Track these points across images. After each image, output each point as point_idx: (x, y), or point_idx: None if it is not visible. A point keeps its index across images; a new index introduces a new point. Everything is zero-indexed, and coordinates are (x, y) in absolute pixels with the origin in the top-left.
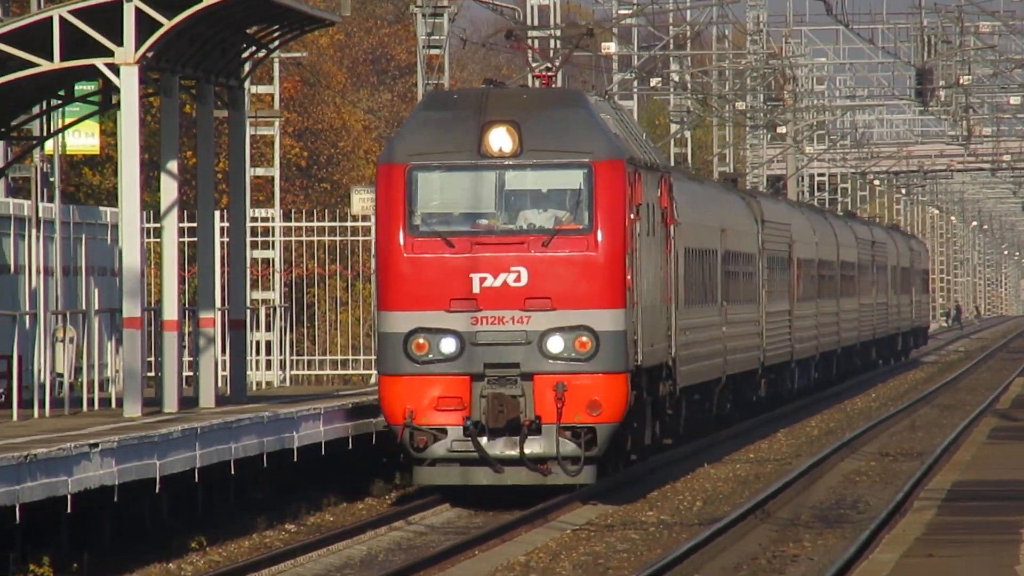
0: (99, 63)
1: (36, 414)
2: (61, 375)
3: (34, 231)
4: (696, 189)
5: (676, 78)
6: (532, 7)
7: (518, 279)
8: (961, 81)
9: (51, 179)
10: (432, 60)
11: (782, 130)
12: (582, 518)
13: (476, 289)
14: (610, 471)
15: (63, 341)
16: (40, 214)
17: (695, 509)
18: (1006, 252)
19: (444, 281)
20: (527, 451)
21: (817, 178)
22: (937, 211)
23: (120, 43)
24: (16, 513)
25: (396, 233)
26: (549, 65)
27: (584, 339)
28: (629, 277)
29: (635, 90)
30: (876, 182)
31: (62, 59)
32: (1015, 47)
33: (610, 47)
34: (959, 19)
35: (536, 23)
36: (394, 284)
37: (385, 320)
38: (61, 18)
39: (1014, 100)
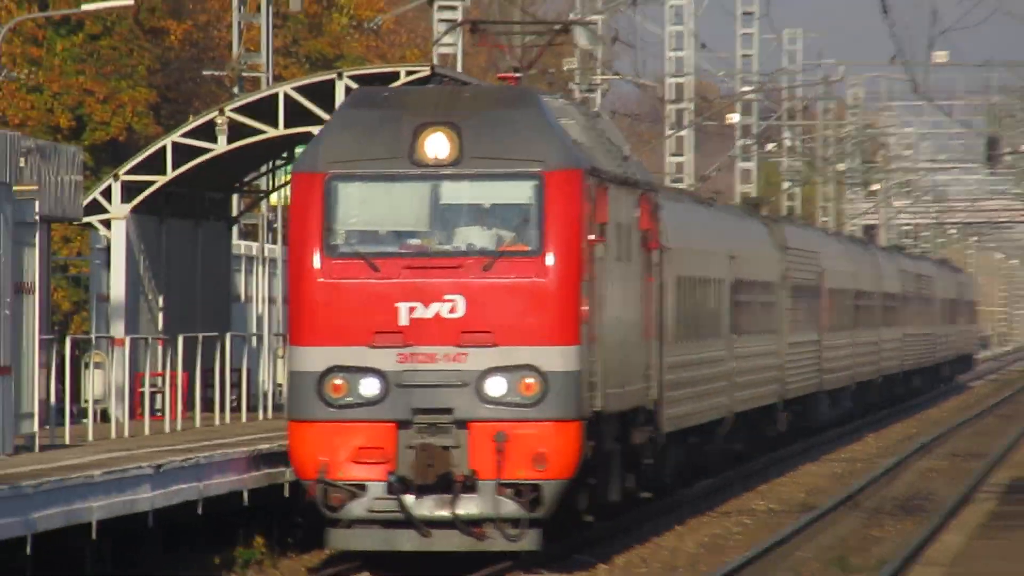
0: (315, 130)
1: (260, 416)
2: (280, 385)
3: (260, 268)
4: (697, 212)
5: (788, 143)
6: (670, 84)
7: (453, 309)
8: (1022, 148)
9: (274, 225)
10: None
11: (875, 187)
12: None
13: (404, 321)
14: (559, 535)
15: (283, 358)
16: (265, 254)
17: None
18: None
19: (367, 311)
20: (460, 512)
21: (903, 227)
22: (1003, 255)
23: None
24: None
25: (311, 254)
26: (517, 65)
27: (530, 381)
28: (586, 308)
29: (755, 153)
30: (952, 231)
31: (285, 127)
32: None
33: (734, 118)
34: (1022, 97)
35: (673, 98)
36: (307, 314)
37: (296, 356)
38: (286, 94)
39: None
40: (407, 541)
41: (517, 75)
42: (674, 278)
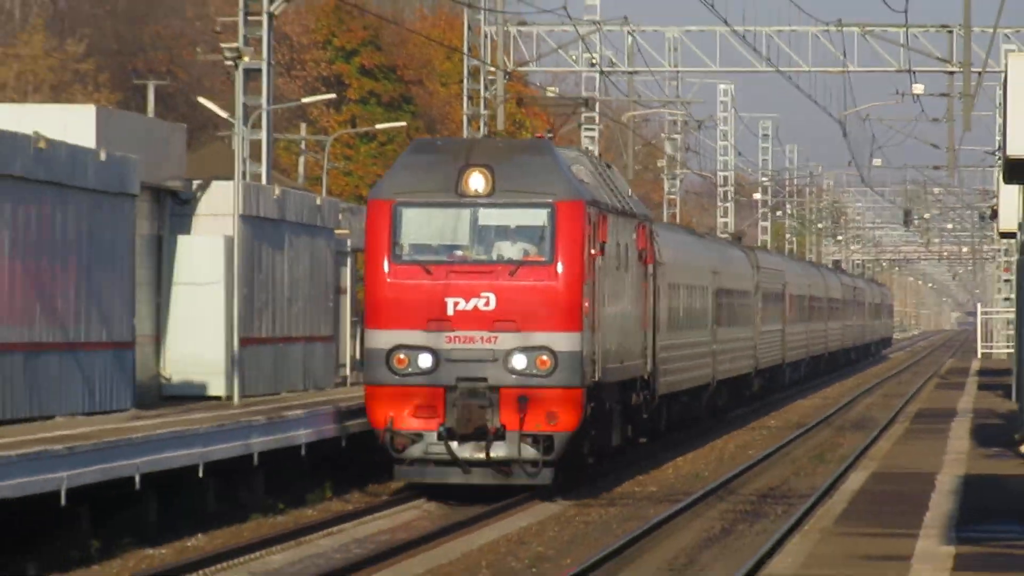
0: None
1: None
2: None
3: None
4: (687, 240)
5: (789, 210)
6: (720, 176)
7: (487, 304)
8: (925, 216)
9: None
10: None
11: (840, 237)
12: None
13: (450, 312)
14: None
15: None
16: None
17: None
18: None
19: (422, 304)
20: (493, 455)
21: (856, 262)
22: (912, 278)
23: None
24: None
25: (382, 261)
26: (550, 129)
27: (544, 358)
28: (587, 304)
29: (768, 216)
30: (884, 264)
31: None
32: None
33: (756, 195)
34: (924, 187)
35: (721, 183)
36: (379, 305)
37: (371, 337)
38: None
39: (949, 225)
40: (454, 476)
41: (550, 135)
42: (667, 285)
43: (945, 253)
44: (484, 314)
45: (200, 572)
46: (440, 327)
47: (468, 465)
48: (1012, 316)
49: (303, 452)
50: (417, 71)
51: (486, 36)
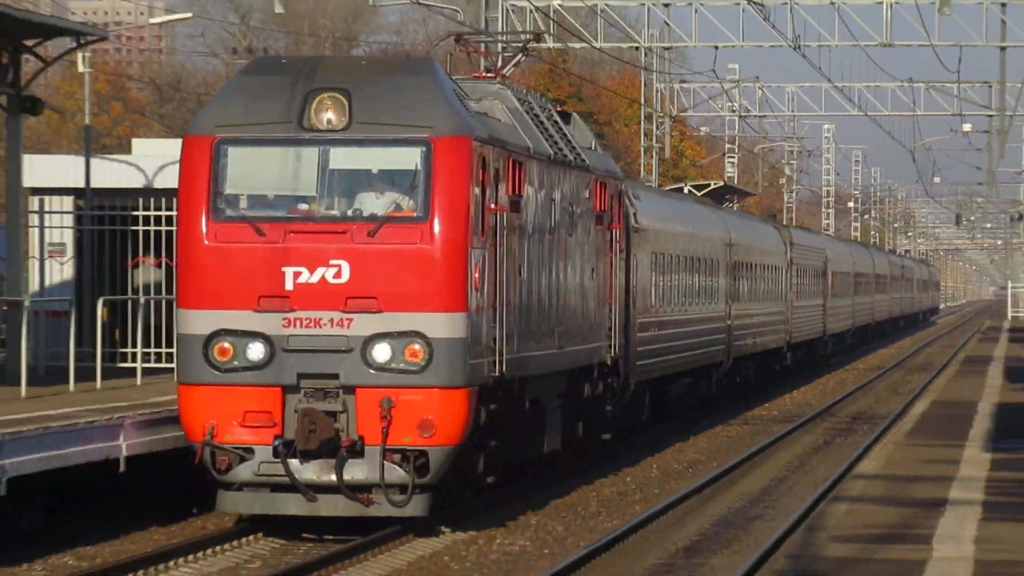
0: None
1: None
2: None
3: None
4: (682, 207)
5: (875, 214)
6: None
7: (338, 274)
8: (971, 219)
9: None
10: None
11: (910, 234)
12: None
13: (289, 285)
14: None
15: None
16: None
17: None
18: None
19: (252, 275)
20: (347, 477)
21: (920, 251)
22: (961, 263)
23: None
24: None
25: (198, 218)
26: (489, 67)
27: (415, 347)
28: (479, 275)
29: (859, 221)
30: (940, 253)
31: None
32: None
33: (850, 204)
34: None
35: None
36: (195, 277)
37: (184, 319)
38: None
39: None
40: (293, 505)
41: (490, 75)
42: (651, 255)
43: (985, 245)
44: (334, 288)
45: None
46: (275, 306)
47: (313, 491)
48: None
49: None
50: (607, 116)
51: (657, 91)
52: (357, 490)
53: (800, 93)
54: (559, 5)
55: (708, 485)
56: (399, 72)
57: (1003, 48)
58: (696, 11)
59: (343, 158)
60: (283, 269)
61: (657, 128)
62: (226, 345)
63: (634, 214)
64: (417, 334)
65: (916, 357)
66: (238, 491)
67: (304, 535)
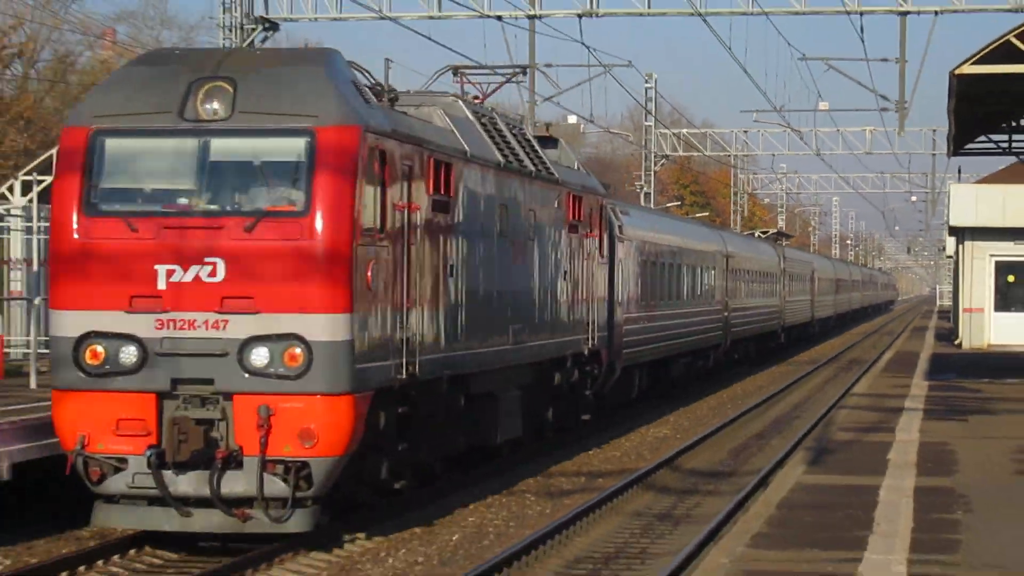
0: None
1: None
2: None
3: None
4: (678, 224)
5: (860, 248)
6: None
7: (213, 273)
8: (917, 250)
9: None
10: None
11: (881, 258)
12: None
13: (162, 284)
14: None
15: None
16: None
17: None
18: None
19: (124, 274)
20: (224, 490)
21: (887, 268)
22: (909, 273)
23: None
24: None
25: (70, 213)
26: (478, 94)
27: (295, 351)
28: (370, 274)
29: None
30: (899, 267)
31: None
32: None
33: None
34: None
35: None
36: (65, 276)
37: (55, 321)
38: None
39: (926, 252)
40: (166, 520)
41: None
42: (640, 261)
43: (924, 264)
44: (209, 288)
45: None
46: (148, 307)
47: (191, 504)
48: (950, 288)
49: None
50: (713, 192)
51: (740, 179)
52: (237, 504)
53: (820, 180)
54: (687, 132)
55: (766, 401)
56: (291, 63)
57: (934, 155)
58: (761, 135)
59: (224, 149)
60: (155, 267)
61: (740, 199)
62: (98, 348)
63: (619, 226)
64: (296, 337)
65: (883, 329)
66: (113, 503)
67: (179, 554)
